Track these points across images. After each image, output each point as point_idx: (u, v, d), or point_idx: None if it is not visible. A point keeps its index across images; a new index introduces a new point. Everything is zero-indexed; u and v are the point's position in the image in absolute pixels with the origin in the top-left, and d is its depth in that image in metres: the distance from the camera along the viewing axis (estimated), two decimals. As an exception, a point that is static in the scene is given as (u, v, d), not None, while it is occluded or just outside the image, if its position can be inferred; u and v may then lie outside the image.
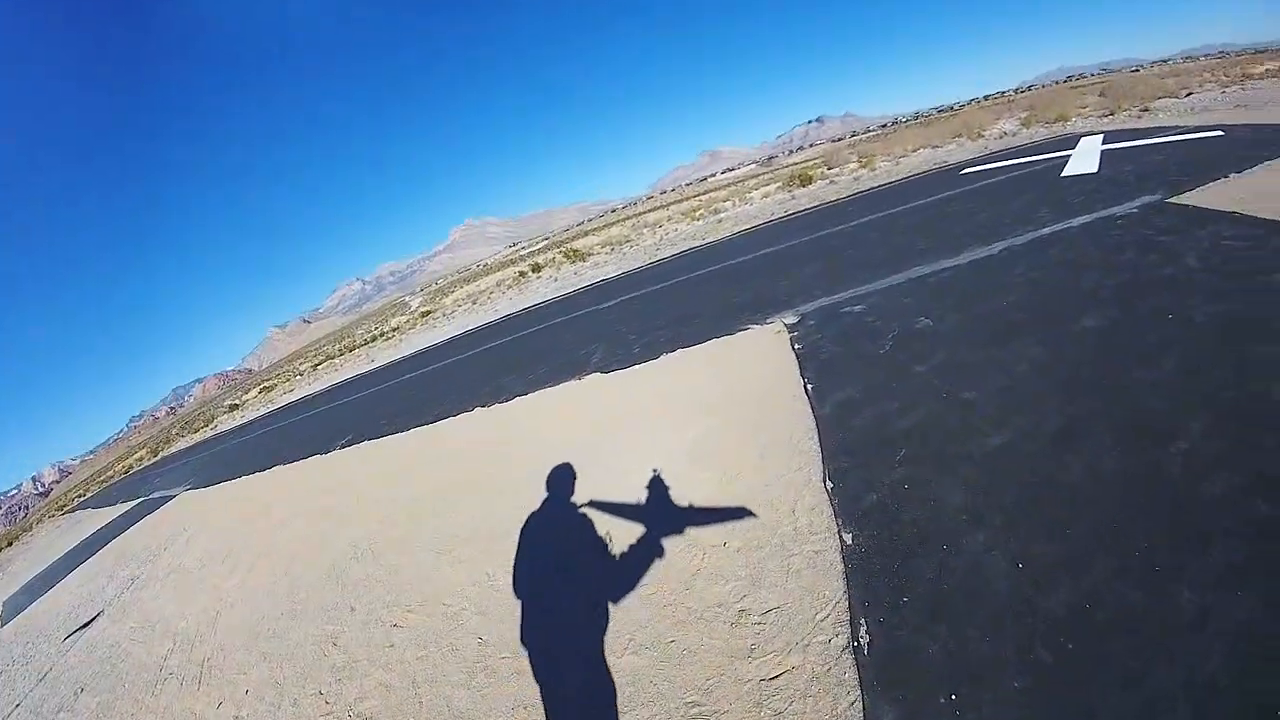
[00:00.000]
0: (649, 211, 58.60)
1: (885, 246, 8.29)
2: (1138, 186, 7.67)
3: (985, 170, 12.52)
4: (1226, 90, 25.08)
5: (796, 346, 5.80)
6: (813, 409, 4.56)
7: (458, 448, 6.84)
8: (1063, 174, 9.73)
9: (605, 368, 7.35)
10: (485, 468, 5.92)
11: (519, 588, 3.79)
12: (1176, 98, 26.06)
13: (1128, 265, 5.20)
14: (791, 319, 6.59)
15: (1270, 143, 9.01)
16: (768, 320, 6.84)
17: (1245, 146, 9.08)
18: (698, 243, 16.32)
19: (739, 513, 3.63)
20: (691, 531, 3.59)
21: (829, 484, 3.60)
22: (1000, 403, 3.78)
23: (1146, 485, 2.78)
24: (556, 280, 20.50)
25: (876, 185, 15.70)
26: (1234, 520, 2.45)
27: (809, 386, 4.93)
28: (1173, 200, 6.72)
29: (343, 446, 9.35)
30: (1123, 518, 2.64)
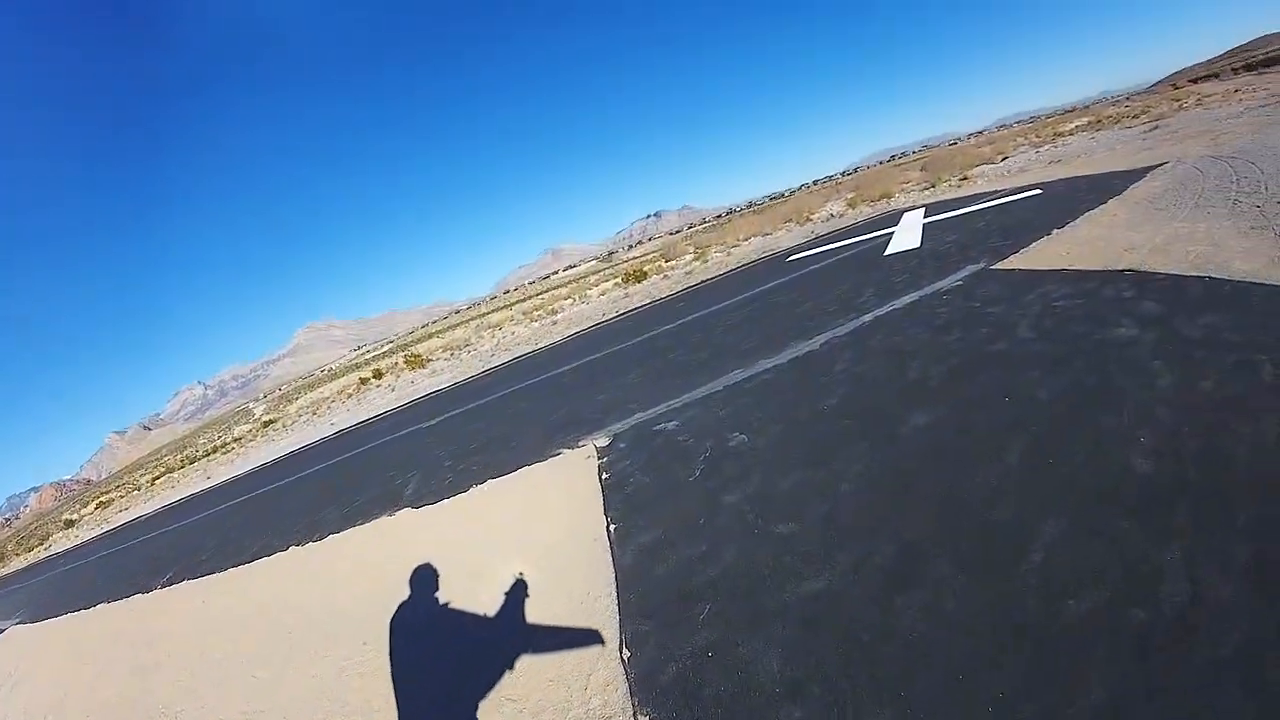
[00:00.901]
0: (492, 312, 58.95)
1: (707, 347, 7.95)
2: (961, 257, 7.79)
3: (811, 256, 12.87)
4: (1040, 150, 27.52)
5: (604, 476, 5.15)
6: (613, 556, 3.98)
7: (261, 600, 6.02)
8: (886, 253, 9.95)
9: (417, 501, 6.66)
10: (277, 634, 5.04)
11: None
12: (993, 163, 28.30)
13: (956, 346, 4.95)
14: (603, 440, 5.95)
15: (1087, 194, 9.61)
16: (579, 443, 6.20)
17: (1063, 201, 9.55)
18: (531, 347, 16.17)
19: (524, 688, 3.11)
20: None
21: (625, 653, 3.07)
22: (821, 536, 3.29)
23: (997, 619, 2.38)
24: (394, 390, 20.38)
25: (708, 278, 16.00)
26: (1105, 643, 2.12)
27: (611, 528, 4.29)
28: (997, 267, 6.77)
29: (165, 585, 8.28)
30: (971, 667, 2.23)
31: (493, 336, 25.21)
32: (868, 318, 6.48)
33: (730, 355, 7.05)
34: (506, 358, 16.03)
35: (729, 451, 4.59)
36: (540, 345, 15.85)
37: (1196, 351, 3.72)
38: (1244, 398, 3.14)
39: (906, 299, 6.63)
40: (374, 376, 28.67)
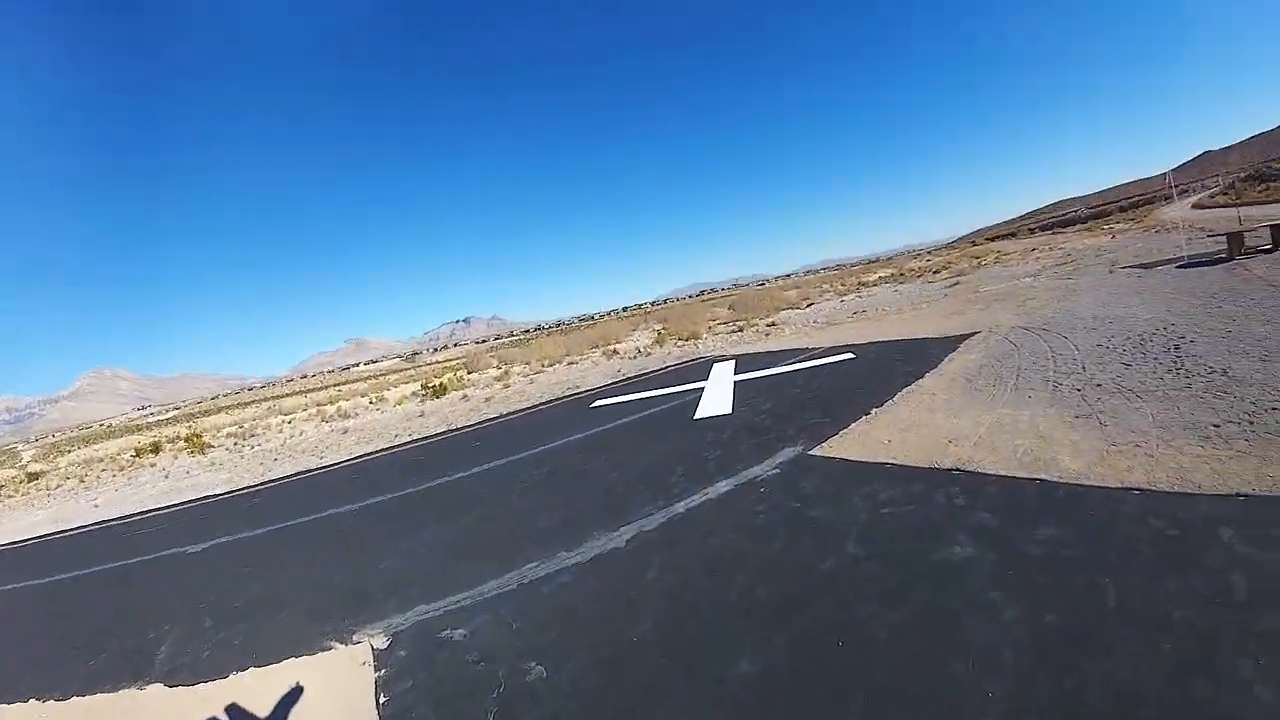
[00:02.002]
0: (286, 396, 55.79)
1: (503, 518, 7.01)
2: (777, 435, 7.56)
3: (616, 405, 12.56)
4: (845, 299, 29.63)
5: (383, 701, 4.05)
6: None
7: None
8: (696, 416, 9.71)
9: (170, 676, 5.04)
10: None
11: None
12: (799, 308, 30.12)
13: (781, 561, 4.42)
14: (381, 641, 4.81)
15: (901, 365, 9.94)
16: (354, 636, 5.01)
17: (877, 370, 9.80)
18: (317, 460, 14.55)
19: None
20: None
21: None
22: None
23: None
24: (167, 478, 17.85)
25: (507, 412, 15.34)
26: None
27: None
28: (816, 453, 6.53)
29: None
30: None
31: (280, 432, 23.84)
32: (679, 507, 5.90)
33: (527, 537, 6.15)
34: (289, 469, 14.36)
35: (525, 690, 3.70)
36: (325, 461, 14.30)
37: (1038, 576, 3.49)
38: (1092, 634, 2.97)
39: (721, 487, 6.19)
40: (151, 450, 26.33)
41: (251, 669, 4.92)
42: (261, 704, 4.41)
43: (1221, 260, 12.62)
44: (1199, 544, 3.47)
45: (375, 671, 4.38)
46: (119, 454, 30.82)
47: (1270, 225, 12.92)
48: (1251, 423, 4.76)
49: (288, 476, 13.43)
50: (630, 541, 5.40)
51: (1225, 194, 54.83)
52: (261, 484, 13.26)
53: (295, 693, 4.58)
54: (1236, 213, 27.48)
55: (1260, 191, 46.05)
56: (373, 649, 4.73)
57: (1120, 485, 4.32)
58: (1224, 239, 14.38)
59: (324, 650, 4.90)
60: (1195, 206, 51.35)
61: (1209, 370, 6.15)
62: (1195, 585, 3.15)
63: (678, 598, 4.26)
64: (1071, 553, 3.63)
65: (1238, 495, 3.86)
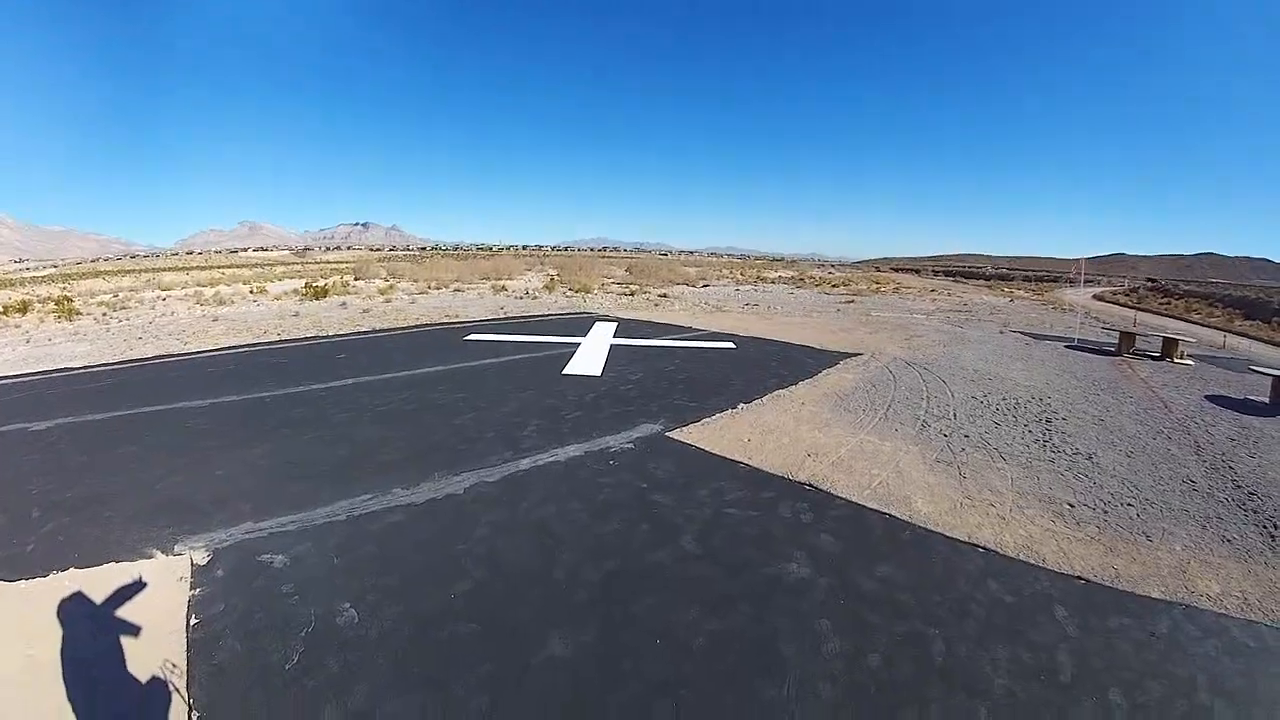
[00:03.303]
0: (168, 270, 52.90)
1: (346, 442, 6.53)
2: (640, 408, 7.41)
3: (489, 343, 12.25)
4: (741, 288, 29.96)
5: (193, 621, 3.61)
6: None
7: None
8: (565, 370, 9.48)
9: None
10: None
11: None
12: (694, 286, 30.25)
13: (614, 543, 4.26)
14: (202, 556, 4.35)
15: (778, 366, 9.94)
16: (175, 547, 4.51)
17: (754, 367, 9.79)
18: (181, 346, 13.65)
19: None
20: None
21: None
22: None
23: None
24: (28, 341, 16.69)
25: (381, 328, 14.83)
26: None
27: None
28: (674, 435, 6.40)
29: None
30: None
31: (152, 308, 22.21)
32: (525, 463, 5.60)
33: (367, 467, 5.72)
34: (150, 351, 13.39)
35: (335, 631, 3.36)
36: (189, 348, 13.38)
37: (869, 614, 3.45)
38: (911, 685, 2.94)
39: (571, 450, 5.96)
40: (19, 310, 24.18)
41: (71, 569, 4.42)
42: (76, 609, 3.96)
43: (1109, 353, 13.12)
44: (1033, 616, 3.49)
45: (191, 590, 3.97)
46: (-25, 305, 28.46)
47: (1165, 336, 13.47)
48: (1106, 511, 4.88)
49: (147, 359, 12.59)
50: (469, 491, 5.08)
51: (1128, 295, 58.58)
52: (120, 363, 12.38)
53: (109, 601, 4.15)
54: (1134, 314, 29.27)
55: (1160, 303, 49.41)
56: (192, 563, 4.29)
57: (967, 539, 4.35)
58: (1116, 334, 15.08)
59: (144, 558, 4.43)
60: (1096, 297, 54.63)
61: (1074, 451, 6.31)
62: (1021, 656, 3.14)
63: (502, 562, 4.01)
64: (906, 596, 3.60)
65: (1079, 578, 3.92)
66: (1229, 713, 2.88)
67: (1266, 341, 25.88)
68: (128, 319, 19.73)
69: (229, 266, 64.88)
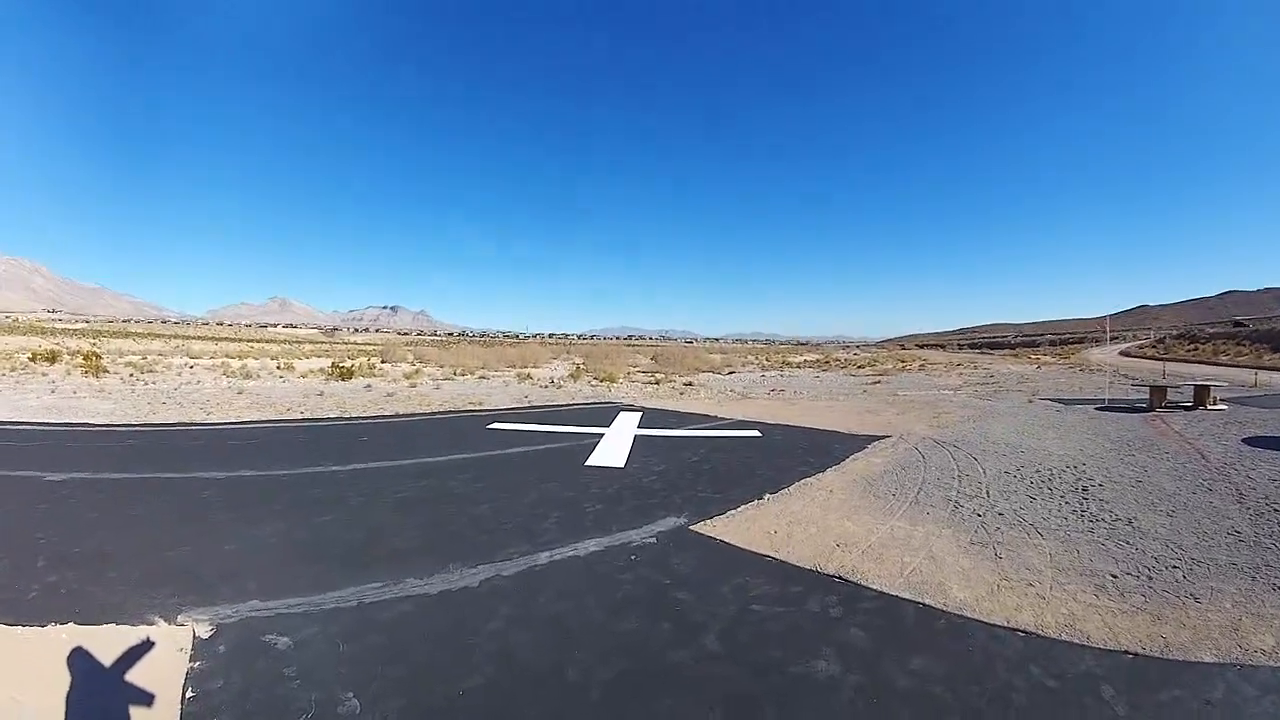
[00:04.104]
0: (197, 339, 54.67)
1: (363, 526, 6.49)
2: (663, 500, 7.29)
3: (514, 432, 12.31)
4: (766, 373, 30.06)
5: (188, 695, 3.55)
6: None
7: None
8: (588, 462, 9.41)
9: None
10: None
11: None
12: (719, 374, 30.36)
13: (631, 643, 4.08)
14: (205, 630, 4.30)
15: (805, 454, 9.76)
16: (178, 617, 4.47)
17: (780, 455, 9.66)
18: (204, 416, 13.99)
19: None
20: None
21: None
22: None
23: None
24: (54, 391, 17.82)
25: (403, 413, 15.04)
26: None
27: None
28: (698, 529, 6.26)
29: None
30: None
31: (178, 375, 23.55)
32: (543, 557, 5.50)
33: (380, 554, 5.67)
34: (173, 417, 13.68)
35: None
36: (211, 419, 13.63)
37: (902, 711, 3.24)
38: None
39: (591, 545, 5.86)
40: (48, 359, 26.72)
41: (71, 624, 4.40)
42: (71, 664, 3.93)
43: (1141, 409, 13.05)
44: (1079, 700, 3.30)
45: (190, 661, 3.92)
46: (15, 353, 30.79)
47: (1196, 384, 13.38)
48: (1150, 578, 4.71)
49: (169, 425, 12.91)
50: (484, 584, 4.99)
51: (1154, 347, 58.11)
52: (142, 425, 12.70)
53: (105, 661, 4.13)
54: (1162, 366, 28.97)
55: (1188, 350, 48.98)
56: (194, 635, 4.25)
57: (1006, 624, 4.16)
58: (1146, 389, 15.05)
59: (146, 624, 4.40)
60: (1123, 354, 54.17)
61: (1114, 517, 6.15)
62: (1067, 744, 2.95)
63: (515, 658, 3.89)
64: (942, 690, 3.41)
65: (1126, 653, 3.73)
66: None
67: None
68: (154, 382, 20.72)
69: (258, 341, 66.71)
